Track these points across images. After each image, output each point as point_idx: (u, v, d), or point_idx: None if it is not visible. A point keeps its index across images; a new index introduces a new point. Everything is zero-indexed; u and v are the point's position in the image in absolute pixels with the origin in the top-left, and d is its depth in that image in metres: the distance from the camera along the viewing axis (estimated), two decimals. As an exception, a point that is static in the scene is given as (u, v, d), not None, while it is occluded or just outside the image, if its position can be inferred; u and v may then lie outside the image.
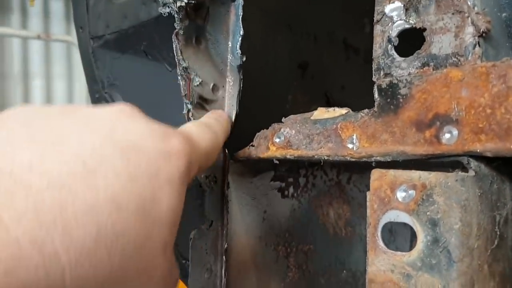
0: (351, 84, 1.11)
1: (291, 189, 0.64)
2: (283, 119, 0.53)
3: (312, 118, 0.48)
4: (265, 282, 0.61)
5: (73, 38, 2.65)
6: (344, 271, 0.72)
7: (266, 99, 0.81)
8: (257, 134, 0.54)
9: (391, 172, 0.41)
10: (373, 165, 0.45)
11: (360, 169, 0.73)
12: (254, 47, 0.76)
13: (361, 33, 1.07)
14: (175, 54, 0.53)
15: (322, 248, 0.69)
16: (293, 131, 0.49)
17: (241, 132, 0.57)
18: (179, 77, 0.53)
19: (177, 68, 0.53)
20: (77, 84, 3.07)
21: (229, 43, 0.57)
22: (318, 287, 0.68)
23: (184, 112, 0.54)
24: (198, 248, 0.54)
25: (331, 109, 0.47)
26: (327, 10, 0.93)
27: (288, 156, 0.50)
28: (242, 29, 0.55)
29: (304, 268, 0.66)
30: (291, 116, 0.51)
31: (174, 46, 0.52)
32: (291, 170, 0.64)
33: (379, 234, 0.42)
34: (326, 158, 0.47)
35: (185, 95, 0.53)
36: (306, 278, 0.66)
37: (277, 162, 0.52)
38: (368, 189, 0.78)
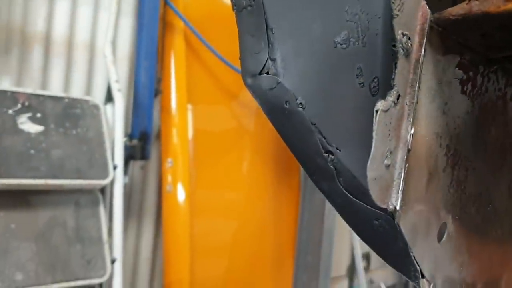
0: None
1: (469, 86, 0.51)
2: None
3: None
4: (432, 191, 0.48)
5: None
6: (490, 205, 0.60)
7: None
8: (482, -14, 0.40)
9: None
10: None
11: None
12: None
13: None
14: None
15: (479, 171, 0.56)
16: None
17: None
18: None
19: None
20: (103, 13, 2.91)
21: None
22: (468, 215, 0.56)
23: None
24: (383, 125, 0.41)
25: None
26: None
27: (546, 8, 0.36)
28: None
29: (462, 188, 0.53)
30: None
31: None
32: (473, 62, 0.51)
33: None
34: None
35: None
36: (462, 201, 0.54)
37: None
38: (526, 114, 0.65)
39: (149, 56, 2.96)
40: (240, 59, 0.54)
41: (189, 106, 2.94)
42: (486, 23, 0.41)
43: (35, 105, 2.34)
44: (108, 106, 2.63)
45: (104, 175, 2.43)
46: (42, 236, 2.26)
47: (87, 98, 2.58)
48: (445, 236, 0.52)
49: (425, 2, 0.43)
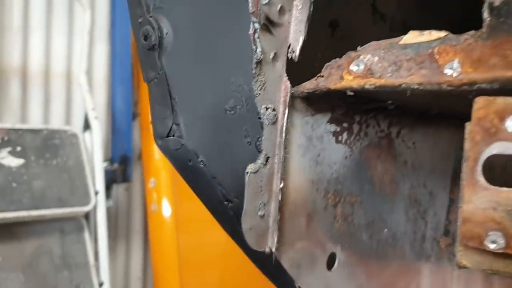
0: (377, 51, 1.06)
1: (345, 135, 0.60)
2: (358, 48, 0.48)
3: (401, 42, 0.43)
4: (313, 229, 0.56)
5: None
6: (386, 230, 0.68)
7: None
8: (327, 64, 0.49)
9: (501, 99, 0.37)
10: (471, 96, 0.40)
11: (411, 123, 0.69)
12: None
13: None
14: (244, -33, 0.47)
15: (367, 203, 0.65)
16: (376, 58, 0.45)
17: (306, 61, 0.52)
18: (247, -7, 0.48)
19: (245, -18, 0.48)
20: (77, 41, 2.98)
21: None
22: (361, 242, 0.64)
23: (250, 32, 0.48)
24: (253, 184, 0.49)
25: (426, 32, 0.42)
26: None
27: (367, 86, 0.45)
28: None
29: (349, 220, 0.62)
30: (373, 42, 0.46)
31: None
32: (347, 115, 0.59)
33: (479, 168, 0.37)
34: (416, 87, 0.42)
35: (252, 12, 0.48)
36: (351, 231, 0.62)
37: (352, 93, 0.47)
38: (415, 146, 0.74)
39: (124, 81, 3.04)
40: (151, 123, 0.63)
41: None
42: (332, 94, 0.50)
43: (14, 139, 2.40)
44: (87, 134, 2.69)
45: (86, 201, 2.49)
46: (29, 266, 2.31)
47: (65, 128, 2.64)
48: (335, 264, 0.61)
49: (287, 78, 0.52)
